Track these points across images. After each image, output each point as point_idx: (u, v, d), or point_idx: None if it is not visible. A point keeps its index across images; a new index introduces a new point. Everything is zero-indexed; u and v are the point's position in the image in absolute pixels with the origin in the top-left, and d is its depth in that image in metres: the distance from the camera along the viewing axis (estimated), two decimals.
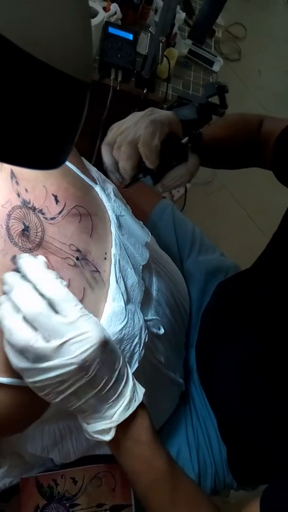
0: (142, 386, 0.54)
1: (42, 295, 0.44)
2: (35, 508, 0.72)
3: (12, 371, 0.46)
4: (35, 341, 0.42)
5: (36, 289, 0.45)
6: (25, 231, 0.50)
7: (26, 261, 0.46)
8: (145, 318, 0.65)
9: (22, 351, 0.43)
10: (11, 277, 0.45)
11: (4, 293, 0.45)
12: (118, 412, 0.48)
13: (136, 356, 0.61)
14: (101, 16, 1.24)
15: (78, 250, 0.55)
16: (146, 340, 0.63)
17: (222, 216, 2.05)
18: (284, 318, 0.67)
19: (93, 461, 0.76)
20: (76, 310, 0.45)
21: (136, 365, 0.61)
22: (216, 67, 1.55)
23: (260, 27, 2.67)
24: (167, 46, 1.39)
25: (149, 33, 1.30)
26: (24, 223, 0.50)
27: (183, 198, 1.98)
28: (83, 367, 0.43)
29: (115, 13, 1.36)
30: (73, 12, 0.29)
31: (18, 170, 0.52)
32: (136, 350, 0.61)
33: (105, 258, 0.60)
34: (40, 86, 0.28)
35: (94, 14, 1.23)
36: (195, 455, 0.82)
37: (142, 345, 0.62)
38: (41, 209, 0.53)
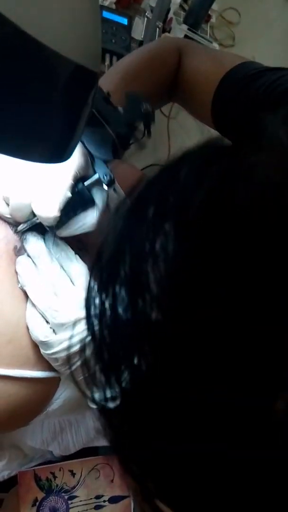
0: None
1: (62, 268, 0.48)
2: (34, 501, 0.72)
3: (19, 364, 0.46)
4: (56, 305, 0.45)
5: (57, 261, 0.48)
6: None
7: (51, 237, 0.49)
8: None
9: (43, 314, 0.45)
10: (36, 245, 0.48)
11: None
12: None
13: None
14: None
15: (79, 241, 0.55)
16: None
17: None
18: None
19: (91, 453, 0.76)
20: None
21: None
22: None
23: (254, 12, 2.61)
24: (162, 31, 1.36)
25: (145, 18, 1.27)
26: None
27: None
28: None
29: None
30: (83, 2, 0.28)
31: None
32: None
33: None
34: (49, 75, 0.27)
35: None
36: None
37: None
38: None
